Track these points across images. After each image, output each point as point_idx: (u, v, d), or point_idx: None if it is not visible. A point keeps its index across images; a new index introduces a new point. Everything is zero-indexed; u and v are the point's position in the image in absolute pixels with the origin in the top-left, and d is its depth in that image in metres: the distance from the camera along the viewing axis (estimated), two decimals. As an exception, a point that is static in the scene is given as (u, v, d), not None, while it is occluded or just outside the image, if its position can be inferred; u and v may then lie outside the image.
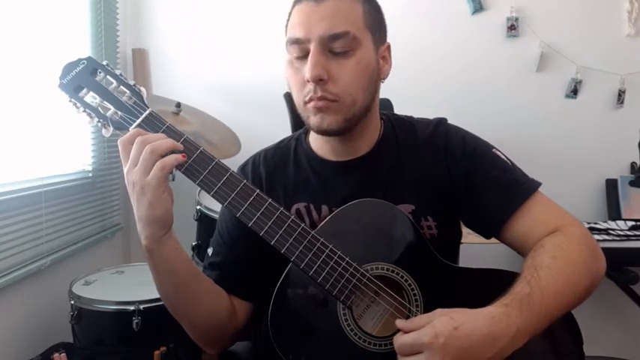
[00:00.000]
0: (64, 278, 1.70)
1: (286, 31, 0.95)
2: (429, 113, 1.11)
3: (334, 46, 0.89)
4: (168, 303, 0.94)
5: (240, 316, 1.01)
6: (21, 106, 1.65)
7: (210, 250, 1.05)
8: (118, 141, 0.85)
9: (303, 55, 0.91)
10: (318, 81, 0.88)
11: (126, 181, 0.84)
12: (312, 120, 0.92)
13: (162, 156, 0.83)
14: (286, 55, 0.94)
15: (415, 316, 0.88)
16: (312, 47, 0.89)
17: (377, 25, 0.96)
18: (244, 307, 1.01)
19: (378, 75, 0.96)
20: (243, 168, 1.08)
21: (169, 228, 0.87)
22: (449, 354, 0.74)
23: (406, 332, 0.80)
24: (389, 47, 0.99)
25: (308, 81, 0.89)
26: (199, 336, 0.99)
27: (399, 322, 0.82)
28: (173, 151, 0.84)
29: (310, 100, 0.91)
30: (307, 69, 0.88)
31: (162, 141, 0.83)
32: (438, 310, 0.80)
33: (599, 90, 2.29)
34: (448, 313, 0.78)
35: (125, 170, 0.84)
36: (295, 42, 0.91)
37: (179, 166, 0.86)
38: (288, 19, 0.95)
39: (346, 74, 0.90)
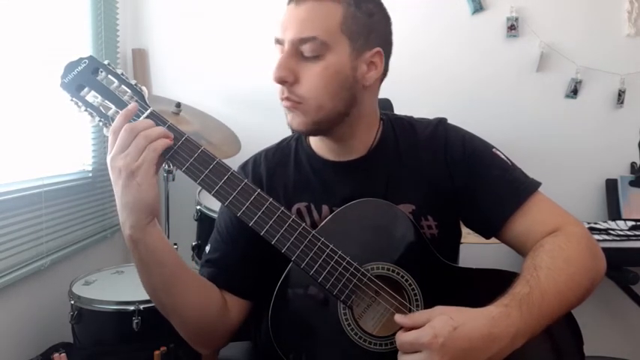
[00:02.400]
0: (64, 278, 1.70)
1: None
2: (429, 113, 1.11)
3: (304, 50, 0.90)
4: (157, 299, 0.93)
5: (233, 314, 0.99)
6: (21, 106, 1.65)
7: (207, 248, 1.05)
8: (109, 131, 0.84)
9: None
10: (283, 82, 0.90)
11: (109, 168, 0.83)
12: (287, 118, 0.95)
13: None
14: None
15: (415, 316, 0.88)
16: (285, 48, 0.91)
17: (362, 30, 0.91)
18: (238, 306, 1.00)
19: (354, 81, 0.92)
20: (243, 167, 1.08)
21: (155, 215, 0.85)
22: (448, 354, 0.75)
23: (405, 327, 0.80)
24: (379, 53, 0.94)
25: None
26: (189, 333, 0.97)
27: (398, 317, 0.82)
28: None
29: (281, 99, 0.93)
30: (273, 69, 0.90)
31: (155, 128, 0.84)
32: (438, 308, 0.80)
33: (599, 90, 2.30)
34: (448, 313, 0.78)
35: (110, 157, 0.83)
36: (276, 41, 0.93)
37: (180, 165, 0.86)
38: None
39: (311, 79, 0.90)
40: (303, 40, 0.89)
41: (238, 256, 1.00)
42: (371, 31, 0.93)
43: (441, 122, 1.05)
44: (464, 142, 1.01)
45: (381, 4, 0.97)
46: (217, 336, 1.00)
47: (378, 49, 0.94)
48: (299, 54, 0.90)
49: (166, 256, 0.88)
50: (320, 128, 0.94)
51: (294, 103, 0.91)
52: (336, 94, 0.91)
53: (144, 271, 0.89)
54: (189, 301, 0.93)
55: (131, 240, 0.84)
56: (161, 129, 0.85)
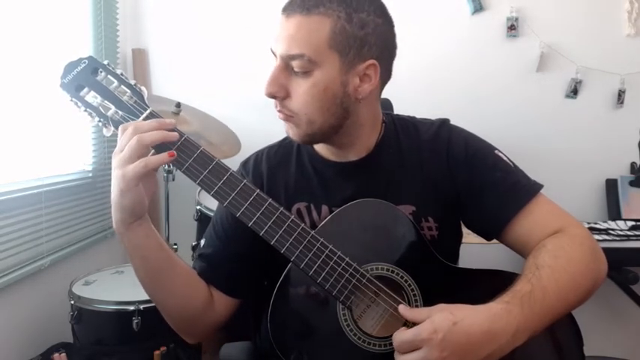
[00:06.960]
0: (64, 278, 1.70)
1: None
2: (428, 113, 1.11)
3: (293, 66, 0.89)
4: (144, 288, 0.96)
5: (219, 309, 1.00)
6: (21, 106, 1.65)
7: (202, 242, 1.06)
8: (120, 127, 0.85)
9: None
10: (273, 97, 0.91)
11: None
12: (285, 126, 0.96)
13: (154, 149, 0.84)
14: None
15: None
16: (276, 62, 0.91)
17: (353, 43, 0.88)
18: (225, 302, 1.00)
19: (344, 95, 0.90)
20: (244, 164, 1.08)
21: (139, 217, 0.87)
22: (447, 349, 0.75)
23: (407, 319, 0.81)
24: (374, 65, 0.91)
25: None
26: (173, 321, 1.00)
27: (402, 308, 0.84)
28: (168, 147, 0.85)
29: (276, 110, 0.94)
30: (265, 82, 0.90)
31: (151, 133, 0.83)
32: (440, 305, 0.80)
33: (599, 90, 2.29)
34: (448, 309, 0.78)
35: (114, 151, 0.85)
36: (271, 50, 0.93)
37: (179, 166, 0.86)
38: None
39: (301, 95, 0.90)
40: (291, 57, 0.88)
41: (230, 254, 1.00)
42: (364, 43, 0.89)
43: (444, 123, 1.04)
44: (466, 144, 1.00)
45: (381, 10, 0.92)
46: (200, 328, 1.02)
47: (371, 61, 0.90)
48: (289, 68, 0.90)
49: (149, 252, 0.90)
50: (314, 140, 0.96)
51: (287, 116, 0.93)
52: (326, 109, 0.90)
53: (130, 260, 0.93)
54: (173, 293, 0.95)
55: (117, 232, 0.89)
56: (160, 135, 0.84)
